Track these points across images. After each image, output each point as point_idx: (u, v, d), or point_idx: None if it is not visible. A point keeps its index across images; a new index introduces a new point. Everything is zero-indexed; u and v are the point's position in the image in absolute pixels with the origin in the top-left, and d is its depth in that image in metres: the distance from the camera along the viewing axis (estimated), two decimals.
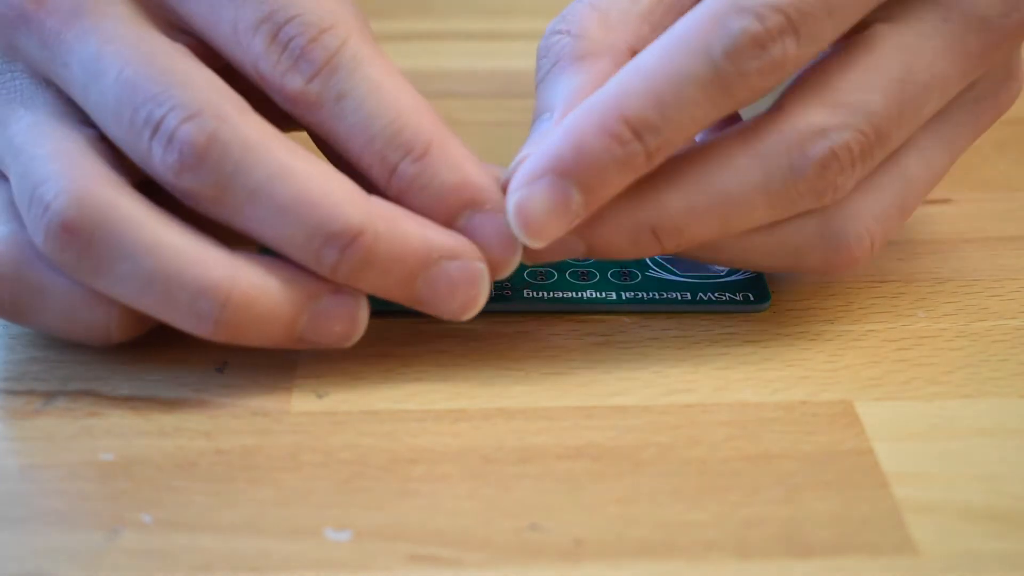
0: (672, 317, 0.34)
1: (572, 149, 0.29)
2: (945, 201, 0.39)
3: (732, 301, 0.34)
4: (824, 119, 0.30)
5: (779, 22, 0.29)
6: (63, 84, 0.31)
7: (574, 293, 0.34)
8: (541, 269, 0.35)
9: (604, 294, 0.34)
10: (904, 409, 0.31)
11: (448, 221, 0.30)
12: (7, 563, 0.27)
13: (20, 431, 0.30)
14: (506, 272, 0.31)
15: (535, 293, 0.34)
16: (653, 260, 0.35)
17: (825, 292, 0.35)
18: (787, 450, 0.30)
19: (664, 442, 0.30)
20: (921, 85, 0.31)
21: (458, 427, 0.30)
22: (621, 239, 0.31)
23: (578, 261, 0.35)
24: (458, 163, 0.30)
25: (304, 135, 0.32)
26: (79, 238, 0.29)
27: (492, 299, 0.31)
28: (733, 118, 0.34)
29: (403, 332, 0.33)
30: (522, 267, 0.31)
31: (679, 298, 0.34)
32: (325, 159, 0.32)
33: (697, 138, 0.33)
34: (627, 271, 0.35)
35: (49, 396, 0.31)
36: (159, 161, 0.29)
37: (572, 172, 0.29)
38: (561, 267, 0.35)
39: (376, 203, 0.30)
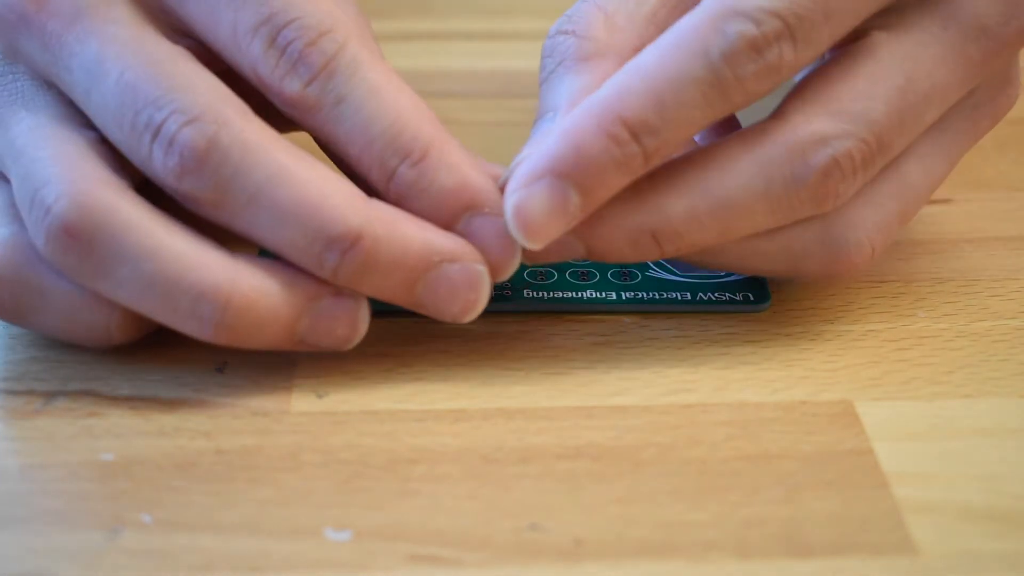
0: (672, 317, 0.34)
1: (571, 150, 0.29)
2: (945, 201, 0.39)
3: (732, 301, 0.34)
4: (826, 127, 0.30)
5: (776, 27, 0.29)
6: (64, 87, 0.31)
7: (574, 293, 0.34)
8: (541, 269, 0.35)
9: (604, 294, 0.34)
10: (904, 409, 0.31)
11: (447, 224, 0.30)
12: (7, 563, 0.27)
13: (20, 431, 0.30)
14: (506, 275, 0.31)
15: (535, 293, 0.34)
16: (653, 260, 0.35)
17: (825, 292, 0.35)
18: (787, 450, 0.30)
19: (664, 442, 0.30)
20: (922, 93, 0.31)
21: (458, 427, 0.30)
22: (621, 242, 0.31)
23: (578, 261, 0.35)
24: (457, 166, 0.30)
25: (306, 136, 0.32)
26: (80, 241, 0.29)
27: (492, 299, 0.31)
28: (730, 122, 0.34)
29: (403, 332, 0.33)
30: (522, 267, 0.31)
31: (679, 298, 0.34)
32: (328, 161, 0.32)
33: (697, 142, 0.33)
34: (627, 271, 0.35)
35: (49, 396, 0.31)
36: (160, 165, 0.29)
37: (570, 173, 0.29)
38: (561, 267, 0.35)
39: (376, 206, 0.30)
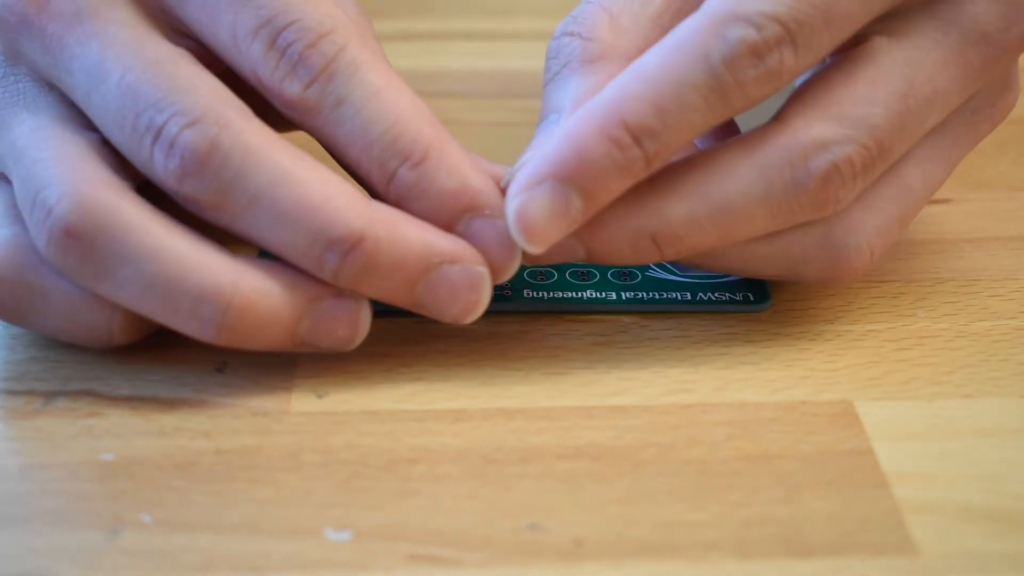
0: (672, 317, 0.34)
1: (572, 154, 0.29)
2: (945, 201, 0.39)
3: (732, 301, 0.34)
4: (827, 132, 0.30)
5: (776, 32, 0.29)
6: (66, 89, 0.31)
7: (574, 293, 0.34)
8: (541, 269, 0.35)
9: (604, 294, 0.34)
10: (904, 409, 0.31)
11: (447, 226, 0.30)
12: (7, 563, 0.27)
13: (20, 431, 0.30)
14: (506, 276, 0.31)
15: (535, 293, 0.34)
16: (654, 263, 0.35)
17: (825, 292, 0.35)
18: (787, 450, 0.30)
19: (664, 442, 0.30)
20: (923, 99, 0.31)
21: (458, 427, 0.30)
22: (621, 245, 0.31)
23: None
24: (457, 168, 0.30)
25: (307, 136, 0.32)
26: (81, 243, 0.29)
27: (492, 299, 0.31)
28: (729, 126, 0.34)
29: (403, 332, 0.33)
30: (522, 267, 0.31)
31: (679, 298, 0.34)
32: (330, 162, 0.32)
33: (697, 146, 0.33)
34: (627, 271, 0.35)
35: (49, 396, 0.31)
36: (161, 167, 0.29)
37: (572, 177, 0.29)
38: (561, 267, 0.35)
39: (377, 208, 0.30)
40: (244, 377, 0.32)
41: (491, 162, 0.32)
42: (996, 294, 0.35)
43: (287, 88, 0.30)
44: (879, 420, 0.31)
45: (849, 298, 0.35)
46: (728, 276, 0.35)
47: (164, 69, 0.30)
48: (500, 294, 0.34)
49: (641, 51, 0.31)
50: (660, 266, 0.35)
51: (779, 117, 0.31)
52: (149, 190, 0.31)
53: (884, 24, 0.31)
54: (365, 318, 0.31)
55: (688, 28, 0.29)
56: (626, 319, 0.34)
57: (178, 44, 0.31)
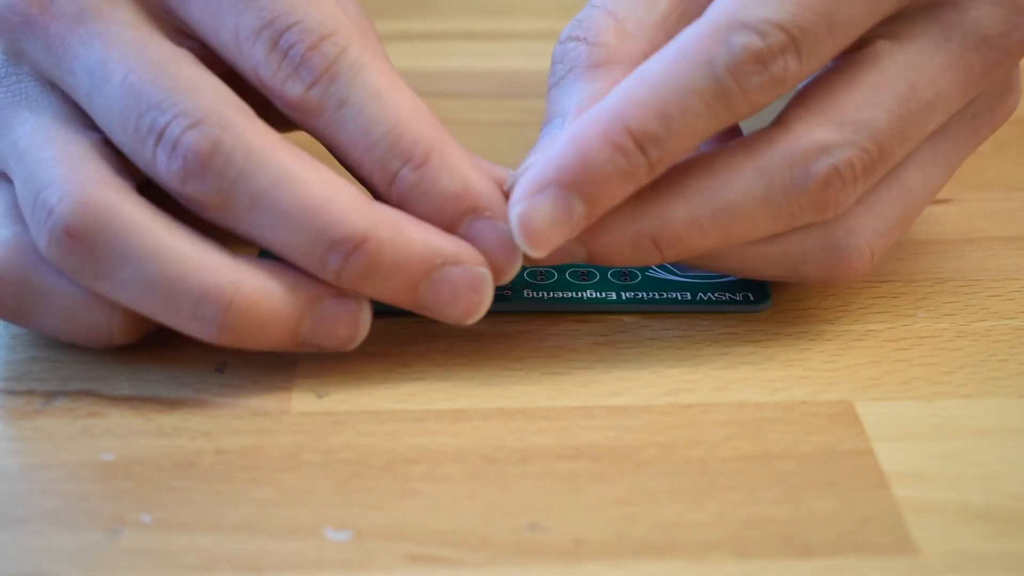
0: (672, 317, 0.34)
1: (576, 160, 0.29)
2: (945, 201, 0.39)
3: (732, 301, 0.34)
4: (828, 136, 0.30)
5: (780, 39, 0.29)
6: (68, 89, 0.31)
7: (574, 293, 0.34)
8: (541, 269, 0.35)
9: (604, 294, 0.34)
10: (904, 409, 0.31)
11: (449, 228, 0.30)
12: (7, 563, 0.27)
13: (20, 431, 0.30)
14: (507, 277, 0.31)
15: (535, 293, 0.34)
16: (655, 264, 0.35)
17: (825, 292, 0.35)
18: (787, 450, 0.30)
19: (664, 442, 0.30)
20: (924, 103, 0.31)
21: (458, 427, 0.30)
22: (622, 247, 0.31)
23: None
24: (459, 170, 0.30)
25: (307, 137, 0.32)
26: (82, 243, 0.29)
27: (492, 299, 0.31)
28: (732, 129, 0.34)
29: (403, 332, 0.33)
30: (523, 267, 0.31)
31: (679, 298, 0.34)
32: (332, 162, 0.32)
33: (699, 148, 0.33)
34: (627, 271, 0.35)
35: (49, 396, 0.31)
36: (163, 168, 0.29)
37: (575, 183, 0.29)
38: (561, 267, 0.35)
39: (380, 209, 0.30)
40: (244, 377, 0.32)
41: (492, 163, 0.32)
42: (996, 294, 0.35)
43: (289, 89, 0.30)
44: (879, 420, 0.31)
45: (849, 298, 0.35)
46: (728, 276, 0.35)
47: (167, 70, 0.30)
48: (500, 294, 0.34)
49: (646, 56, 0.31)
50: (660, 266, 0.35)
51: (780, 120, 0.31)
52: (150, 189, 0.31)
53: (886, 28, 0.31)
54: (366, 318, 0.31)
55: (692, 35, 0.29)
56: (626, 319, 0.34)
57: (180, 45, 0.31)
